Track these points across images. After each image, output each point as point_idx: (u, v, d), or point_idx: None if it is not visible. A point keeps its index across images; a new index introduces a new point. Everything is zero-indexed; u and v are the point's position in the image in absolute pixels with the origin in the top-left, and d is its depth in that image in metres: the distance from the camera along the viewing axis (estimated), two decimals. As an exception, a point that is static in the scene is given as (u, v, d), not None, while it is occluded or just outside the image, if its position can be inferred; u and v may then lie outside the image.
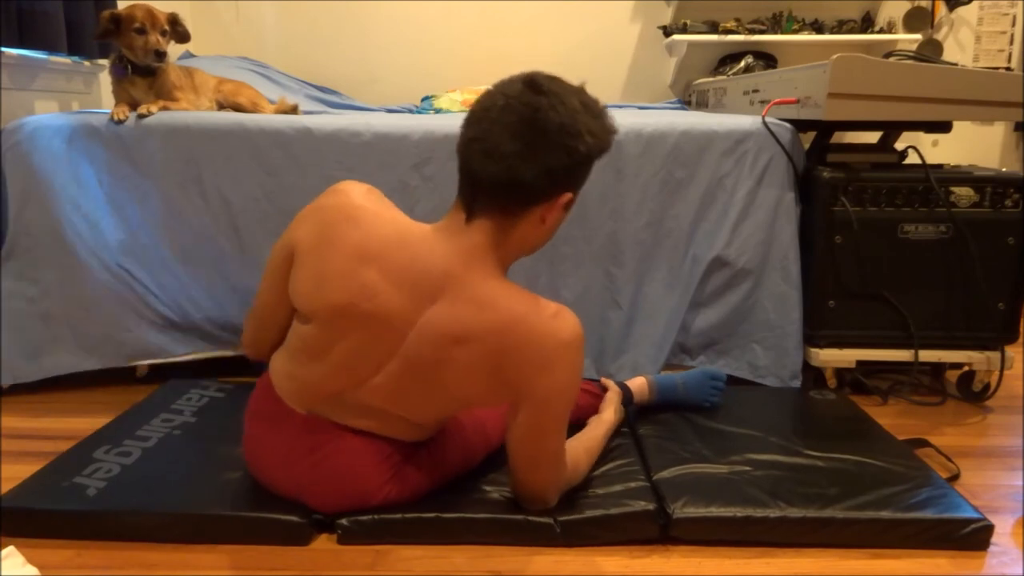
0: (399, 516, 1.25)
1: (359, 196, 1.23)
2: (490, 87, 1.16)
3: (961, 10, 3.31)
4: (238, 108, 2.19)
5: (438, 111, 2.91)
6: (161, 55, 1.92)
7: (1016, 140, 3.47)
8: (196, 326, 1.94)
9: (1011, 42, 3.35)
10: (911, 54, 1.92)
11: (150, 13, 1.91)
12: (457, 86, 3.14)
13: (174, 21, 1.97)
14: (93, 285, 1.85)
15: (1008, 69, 3.36)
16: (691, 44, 3.13)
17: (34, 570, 1.15)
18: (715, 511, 1.27)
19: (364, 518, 1.26)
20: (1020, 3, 3.31)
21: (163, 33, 1.93)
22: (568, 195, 1.16)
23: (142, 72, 1.96)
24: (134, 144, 1.88)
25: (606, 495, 1.31)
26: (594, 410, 1.56)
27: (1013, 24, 3.34)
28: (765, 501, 1.29)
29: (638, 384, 1.68)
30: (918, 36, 3.20)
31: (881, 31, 3.20)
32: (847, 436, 1.59)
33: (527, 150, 1.09)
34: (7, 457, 1.55)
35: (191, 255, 1.93)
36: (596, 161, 1.19)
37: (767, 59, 3.16)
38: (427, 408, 1.23)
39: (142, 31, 1.90)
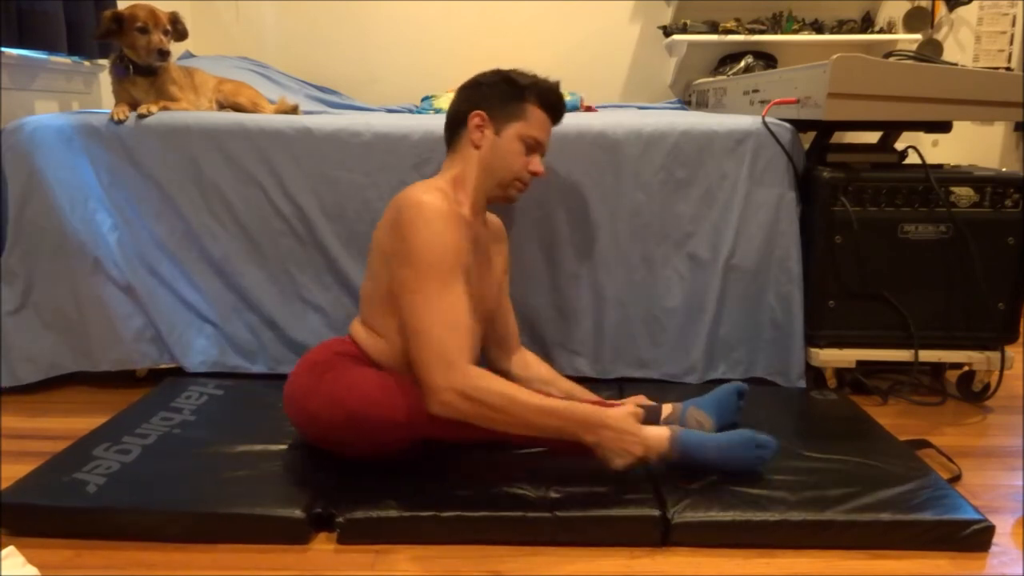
0: (398, 515, 1.26)
1: None
2: None
3: (961, 10, 3.31)
4: (238, 108, 2.19)
5: (438, 111, 2.91)
6: (164, 54, 1.92)
7: (1016, 140, 3.47)
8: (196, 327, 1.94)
9: (1011, 42, 3.35)
10: (911, 54, 1.92)
11: (152, 12, 1.91)
12: (457, 86, 3.14)
13: (175, 20, 1.97)
14: (92, 285, 1.85)
15: (1008, 69, 3.36)
16: (691, 44, 3.13)
17: (34, 570, 1.15)
18: (715, 515, 1.27)
19: (363, 517, 1.26)
20: (1020, 3, 3.31)
21: (165, 32, 1.93)
22: (476, 112, 1.48)
23: (143, 72, 1.96)
24: (134, 144, 1.88)
25: (607, 492, 1.31)
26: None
27: (1013, 24, 3.34)
28: (765, 504, 1.29)
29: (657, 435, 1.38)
30: (918, 36, 3.20)
31: (881, 31, 3.20)
32: (848, 437, 1.59)
33: (457, 93, 1.55)
34: (7, 457, 1.55)
35: (191, 255, 1.93)
36: (526, 96, 1.49)
37: (767, 59, 3.16)
38: (375, 276, 1.44)
39: (145, 30, 1.90)
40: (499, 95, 1.50)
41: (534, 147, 1.51)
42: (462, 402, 1.24)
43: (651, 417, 1.54)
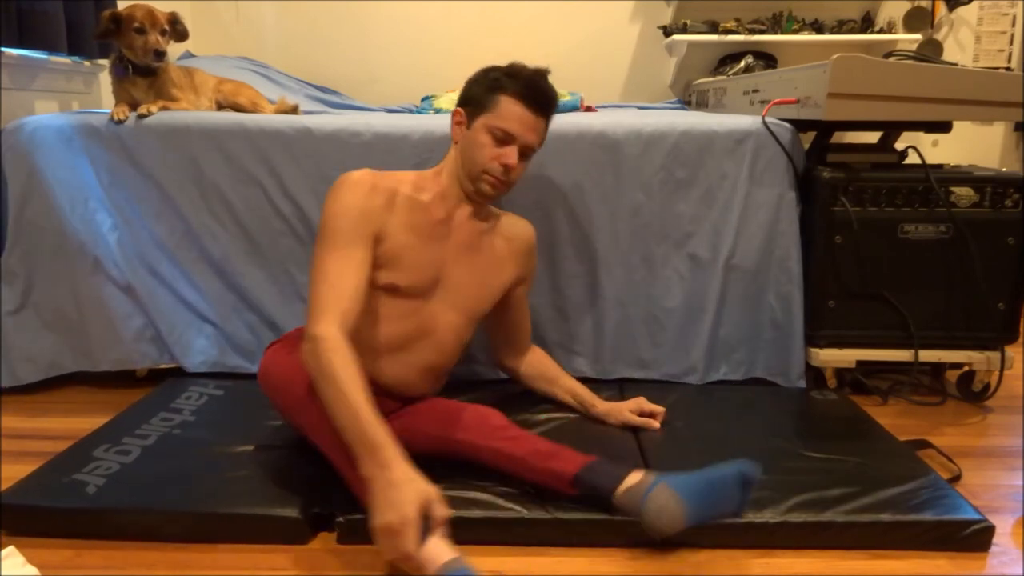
0: (399, 516, 1.26)
1: None
2: None
3: (961, 10, 3.31)
4: (238, 108, 2.19)
5: (438, 111, 2.91)
6: (161, 55, 1.92)
7: (1016, 140, 3.47)
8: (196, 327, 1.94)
9: (1011, 42, 3.35)
10: (911, 54, 1.92)
11: (150, 13, 1.91)
12: (457, 86, 3.11)
13: (174, 20, 1.97)
14: (92, 285, 1.86)
15: (1008, 69, 3.36)
16: (691, 44, 3.13)
17: (34, 570, 1.15)
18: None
19: (362, 517, 1.25)
20: (1020, 3, 3.31)
21: (163, 33, 1.93)
22: (456, 110, 1.52)
23: (142, 72, 1.96)
24: (134, 144, 1.88)
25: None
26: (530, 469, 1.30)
27: (1013, 24, 3.34)
28: (765, 505, 1.29)
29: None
30: (918, 36, 3.20)
31: (881, 31, 3.20)
32: (848, 437, 1.59)
33: None
34: (7, 457, 1.55)
35: (191, 255, 1.93)
36: (499, 87, 1.46)
37: (767, 59, 3.16)
38: None
39: (142, 31, 1.89)
40: (477, 90, 1.50)
41: (504, 139, 1.45)
42: (310, 355, 1.19)
43: (610, 479, 1.25)
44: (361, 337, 1.35)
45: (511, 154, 1.46)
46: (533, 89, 1.46)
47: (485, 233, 1.57)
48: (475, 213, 1.55)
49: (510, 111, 1.45)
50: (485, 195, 1.51)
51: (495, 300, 1.60)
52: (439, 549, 1.06)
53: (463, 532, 1.25)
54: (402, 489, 1.05)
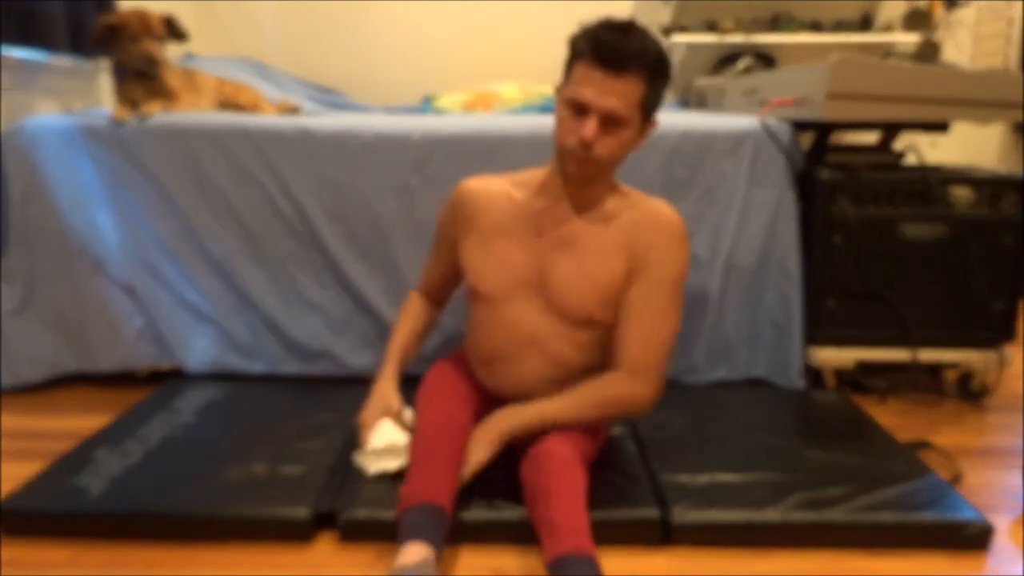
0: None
1: None
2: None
3: (959, 11, 3.32)
4: (239, 109, 2.19)
5: (438, 111, 2.91)
6: (153, 63, 1.92)
7: (1015, 140, 3.47)
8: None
9: (1009, 43, 3.36)
10: (910, 55, 1.93)
11: (143, 20, 1.90)
12: (457, 86, 3.14)
13: (169, 23, 1.96)
14: (93, 286, 1.86)
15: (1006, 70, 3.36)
16: (690, 44, 3.13)
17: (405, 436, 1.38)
18: (716, 515, 1.27)
19: (365, 516, 1.26)
20: (1019, 4, 3.32)
21: (158, 38, 1.92)
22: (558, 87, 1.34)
23: (142, 74, 1.96)
24: (135, 145, 1.88)
25: (608, 497, 1.32)
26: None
27: (1011, 26, 3.34)
28: (766, 505, 1.30)
29: None
30: (916, 37, 3.20)
31: (880, 32, 3.21)
32: (848, 437, 1.59)
33: None
34: (7, 457, 1.56)
35: (192, 256, 1.93)
36: (578, 50, 1.26)
37: (766, 60, 3.17)
38: None
39: (136, 39, 1.89)
40: (567, 59, 1.28)
41: (579, 109, 1.23)
42: None
43: None
44: (473, 349, 1.48)
45: (586, 126, 1.22)
46: (600, 43, 1.21)
47: (595, 223, 1.36)
48: (581, 202, 1.35)
49: (581, 75, 1.23)
50: (575, 179, 1.32)
51: (604, 301, 1.34)
52: (412, 551, 1.12)
53: (464, 532, 1.26)
54: (374, 396, 1.47)
